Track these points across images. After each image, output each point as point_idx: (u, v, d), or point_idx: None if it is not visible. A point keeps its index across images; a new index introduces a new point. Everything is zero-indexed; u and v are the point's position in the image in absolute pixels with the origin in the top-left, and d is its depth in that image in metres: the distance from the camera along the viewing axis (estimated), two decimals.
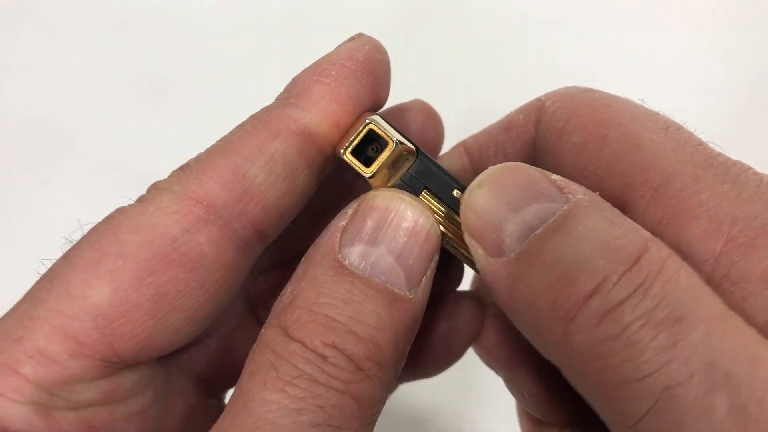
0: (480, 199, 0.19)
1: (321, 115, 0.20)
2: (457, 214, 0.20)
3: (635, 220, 0.19)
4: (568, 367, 0.18)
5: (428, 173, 0.21)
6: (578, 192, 0.18)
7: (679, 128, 0.20)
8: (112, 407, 0.19)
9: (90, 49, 0.56)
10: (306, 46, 0.57)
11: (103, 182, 0.52)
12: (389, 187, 0.21)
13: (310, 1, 0.57)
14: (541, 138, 0.22)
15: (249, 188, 0.19)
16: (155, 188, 0.20)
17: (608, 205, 0.18)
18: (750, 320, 0.17)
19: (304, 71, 0.21)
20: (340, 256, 0.19)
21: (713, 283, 0.17)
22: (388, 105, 0.24)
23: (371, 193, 0.21)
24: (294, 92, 0.21)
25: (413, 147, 0.21)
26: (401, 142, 0.20)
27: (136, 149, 0.53)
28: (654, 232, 0.18)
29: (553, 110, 0.22)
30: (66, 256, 0.19)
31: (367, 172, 0.20)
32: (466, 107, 0.51)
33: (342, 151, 0.20)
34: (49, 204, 0.52)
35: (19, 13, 0.56)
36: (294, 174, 0.20)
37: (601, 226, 0.17)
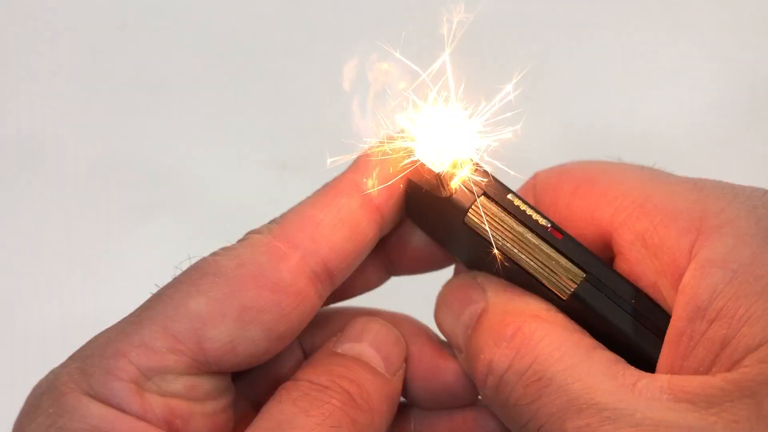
0: (439, 316, 0.27)
1: (374, 177, 0.26)
2: (509, 213, 0.25)
3: (623, 235, 0.24)
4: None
5: (487, 183, 0.25)
6: (490, 290, 0.26)
7: (653, 166, 0.26)
8: (191, 403, 0.23)
9: (91, 51, 0.56)
10: (306, 46, 0.57)
11: (106, 184, 0.53)
12: (450, 196, 0.25)
13: (311, 2, 0.57)
14: (539, 198, 0.28)
15: (320, 231, 0.24)
16: (250, 233, 0.25)
17: (508, 295, 0.25)
18: (697, 294, 0.21)
19: (363, 152, 0.27)
20: (334, 348, 0.27)
21: (684, 267, 0.22)
22: None
23: (355, 319, 0.28)
24: (355, 165, 0.27)
25: (483, 168, 0.25)
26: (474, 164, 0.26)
27: (137, 150, 0.54)
28: (642, 239, 0.23)
29: (546, 175, 0.28)
30: (175, 278, 0.24)
31: (436, 169, 0.25)
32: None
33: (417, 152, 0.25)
34: (51, 209, 0.52)
35: (18, 16, 0.57)
36: (356, 222, 0.25)
37: (497, 318, 0.25)
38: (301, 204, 0.26)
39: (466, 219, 0.25)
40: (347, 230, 0.25)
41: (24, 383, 0.23)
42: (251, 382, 0.28)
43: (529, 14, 0.56)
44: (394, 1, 0.57)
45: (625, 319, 0.24)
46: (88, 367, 0.21)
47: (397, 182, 0.26)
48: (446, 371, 0.28)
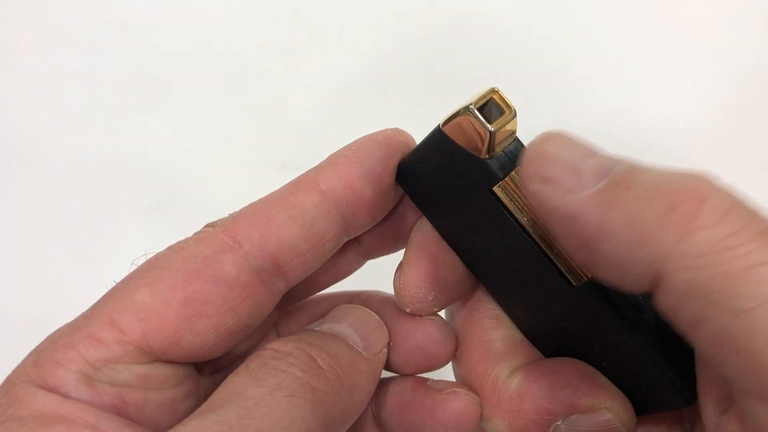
0: (550, 147, 0.20)
1: (337, 176, 0.25)
2: None
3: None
4: (680, 268, 0.18)
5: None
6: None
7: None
8: (146, 392, 0.23)
9: (92, 51, 0.56)
10: (307, 47, 0.57)
11: (106, 183, 0.53)
12: (487, 159, 0.24)
13: (312, 3, 0.57)
14: None
15: (270, 226, 0.24)
16: (205, 226, 0.25)
17: None
18: None
19: (336, 151, 0.26)
20: (311, 326, 0.26)
21: None
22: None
23: (337, 306, 0.28)
24: (323, 162, 0.26)
25: (515, 131, 0.24)
26: (516, 114, 0.23)
27: (137, 150, 0.54)
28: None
29: None
30: (129, 273, 0.24)
31: (490, 127, 0.22)
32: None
33: (471, 106, 0.22)
34: (52, 210, 0.52)
35: (18, 16, 0.57)
36: (311, 221, 0.24)
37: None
38: (260, 199, 0.25)
39: (495, 187, 0.24)
40: (299, 228, 0.24)
41: None
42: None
43: (528, 14, 0.56)
44: (394, 1, 0.57)
45: (630, 312, 0.24)
46: (40, 360, 0.22)
47: (365, 186, 0.25)
48: (416, 332, 0.27)
